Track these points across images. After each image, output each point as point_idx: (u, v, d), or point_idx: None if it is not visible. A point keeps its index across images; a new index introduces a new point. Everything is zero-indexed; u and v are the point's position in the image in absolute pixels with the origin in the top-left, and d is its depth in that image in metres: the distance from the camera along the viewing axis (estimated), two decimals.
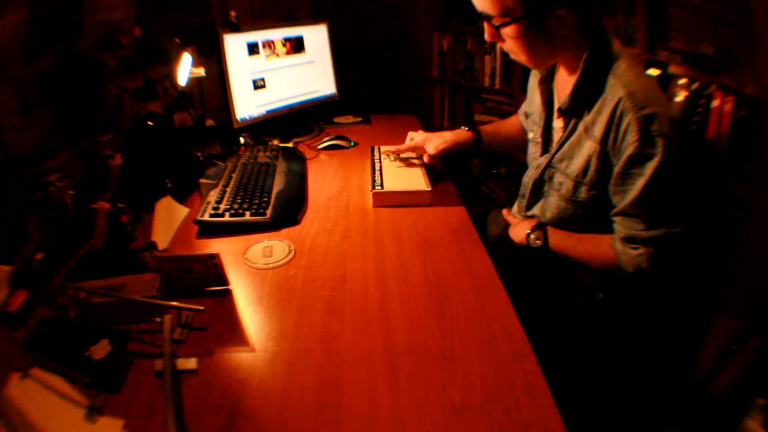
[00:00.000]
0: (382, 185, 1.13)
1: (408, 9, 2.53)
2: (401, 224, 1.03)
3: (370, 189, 1.13)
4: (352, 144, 1.51)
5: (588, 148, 0.90)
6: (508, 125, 1.33)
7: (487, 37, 0.92)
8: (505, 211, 1.15)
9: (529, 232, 1.01)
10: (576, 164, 0.93)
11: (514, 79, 2.28)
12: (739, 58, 1.37)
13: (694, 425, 1.12)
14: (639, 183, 0.84)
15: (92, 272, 0.81)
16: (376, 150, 1.35)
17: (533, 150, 1.09)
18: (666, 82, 1.53)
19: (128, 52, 1.22)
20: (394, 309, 0.79)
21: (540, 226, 1.01)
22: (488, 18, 0.88)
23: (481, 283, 0.85)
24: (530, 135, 1.10)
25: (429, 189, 1.12)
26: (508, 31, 0.87)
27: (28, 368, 0.65)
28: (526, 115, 1.15)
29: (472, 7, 0.90)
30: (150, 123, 1.20)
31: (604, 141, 0.87)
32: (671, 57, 1.54)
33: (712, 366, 1.11)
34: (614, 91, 0.85)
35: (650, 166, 0.82)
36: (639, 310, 1.04)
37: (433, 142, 1.22)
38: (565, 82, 0.97)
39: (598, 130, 0.87)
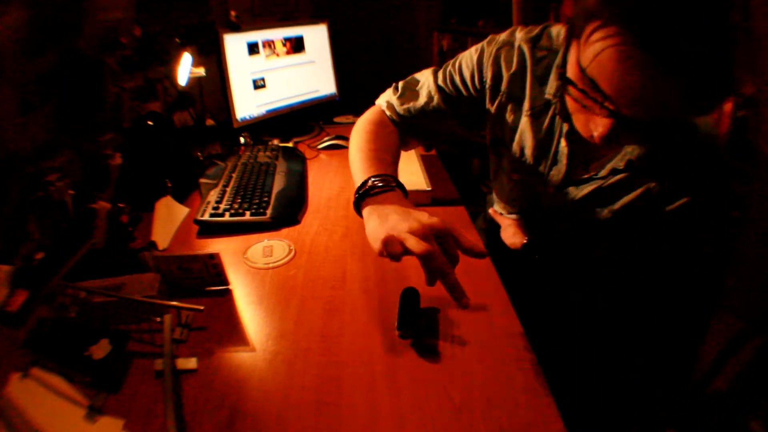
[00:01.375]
0: None
1: (408, 9, 2.53)
2: None
3: None
4: None
5: (638, 185, 0.80)
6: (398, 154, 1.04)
7: (607, 138, 0.63)
8: (492, 211, 1.10)
9: (527, 240, 1.00)
10: (619, 201, 0.82)
11: None
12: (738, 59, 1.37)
13: (694, 425, 1.12)
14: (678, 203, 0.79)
15: (92, 272, 0.81)
16: None
17: (512, 185, 0.97)
18: None
19: (128, 52, 1.22)
20: (395, 309, 0.78)
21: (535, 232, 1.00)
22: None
23: (481, 283, 0.85)
24: (513, 176, 0.96)
25: (429, 189, 1.12)
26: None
27: (28, 368, 0.65)
28: (497, 142, 0.97)
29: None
30: (150, 123, 1.20)
31: (662, 177, 0.78)
32: None
33: (712, 366, 1.11)
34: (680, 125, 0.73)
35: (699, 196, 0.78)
36: (639, 310, 1.04)
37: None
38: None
39: (657, 167, 0.77)
